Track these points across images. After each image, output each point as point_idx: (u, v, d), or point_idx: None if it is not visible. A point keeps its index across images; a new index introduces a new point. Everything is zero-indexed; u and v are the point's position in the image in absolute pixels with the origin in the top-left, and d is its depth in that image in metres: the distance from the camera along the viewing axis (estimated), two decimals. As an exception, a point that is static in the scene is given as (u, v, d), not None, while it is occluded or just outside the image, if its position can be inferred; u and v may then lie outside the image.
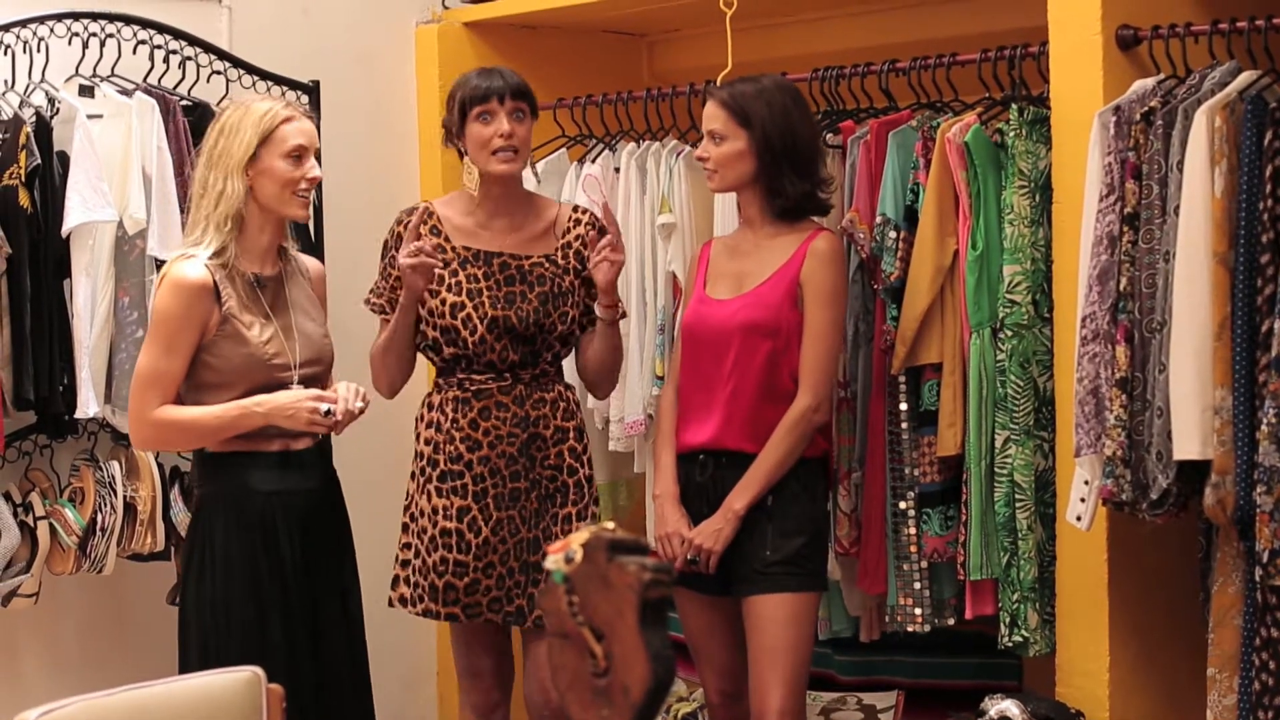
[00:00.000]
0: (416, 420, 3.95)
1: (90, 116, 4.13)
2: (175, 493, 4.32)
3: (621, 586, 1.99)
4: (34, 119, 4.06)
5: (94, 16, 4.27)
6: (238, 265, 3.55)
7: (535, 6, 4.83)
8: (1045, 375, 3.74)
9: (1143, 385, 3.40)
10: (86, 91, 4.24)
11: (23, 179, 4.00)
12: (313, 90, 4.61)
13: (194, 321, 3.49)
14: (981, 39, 4.00)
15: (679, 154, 4.41)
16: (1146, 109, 3.41)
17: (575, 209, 4.01)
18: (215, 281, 3.50)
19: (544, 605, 2.08)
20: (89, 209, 4.03)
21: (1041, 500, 3.74)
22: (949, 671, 4.40)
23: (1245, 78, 3.35)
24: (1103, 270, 3.45)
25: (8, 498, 4.17)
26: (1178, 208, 3.32)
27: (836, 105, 4.22)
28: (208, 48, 4.47)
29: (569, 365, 4.03)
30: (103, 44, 4.28)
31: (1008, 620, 3.75)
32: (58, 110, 4.15)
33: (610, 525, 2.05)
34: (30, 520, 4.17)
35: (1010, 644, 3.76)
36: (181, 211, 4.03)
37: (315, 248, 4.55)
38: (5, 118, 4.07)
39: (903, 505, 3.92)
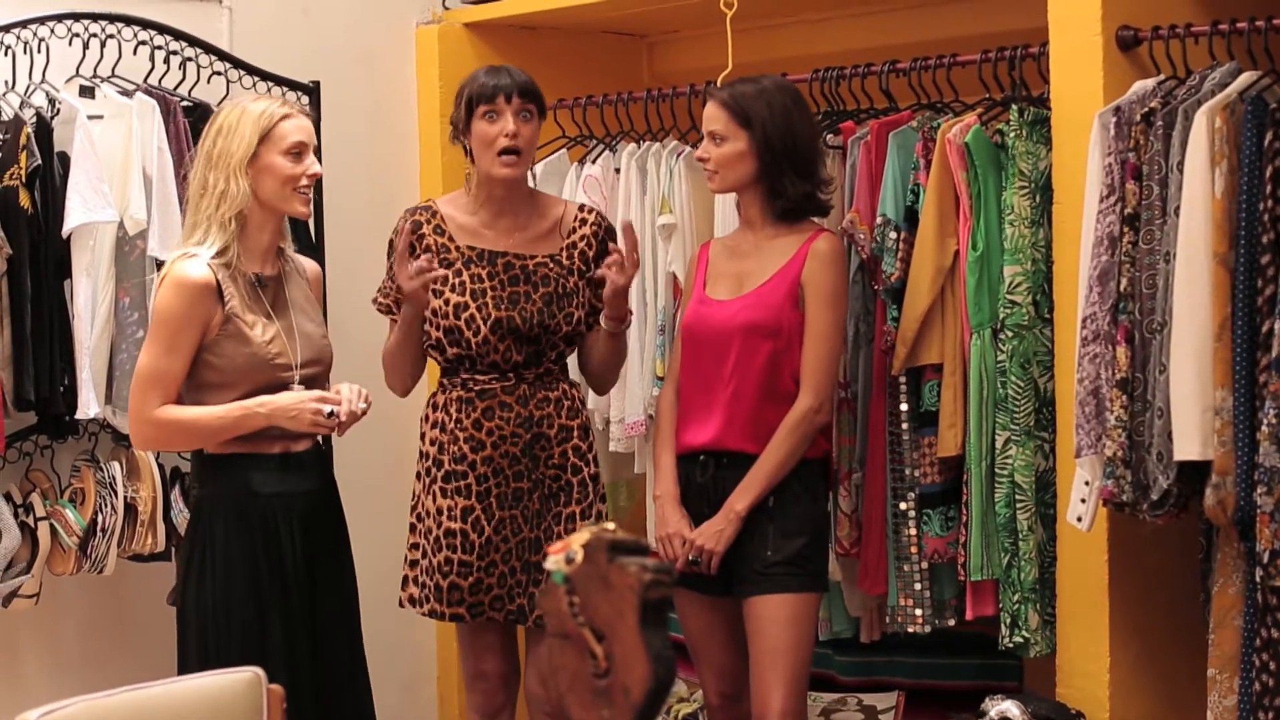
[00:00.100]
0: (421, 420, 3.95)
1: (91, 117, 4.13)
2: (176, 493, 4.32)
3: (622, 587, 1.99)
4: (34, 120, 4.06)
5: (94, 17, 4.27)
6: (239, 265, 3.55)
7: (536, 7, 4.83)
8: (1046, 376, 3.74)
9: (1143, 386, 3.40)
10: (87, 92, 4.23)
11: (23, 179, 4.00)
12: (313, 91, 4.61)
13: (196, 321, 3.49)
14: (982, 40, 4.00)
15: (679, 155, 4.41)
16: (1147, 110, 3.41)
17: (581, 208, 3.99)
18: (218, 281, 3.49)
19: (545, 606, 2.08)
20: (89, 210, 4.03)
21: (1042, 501, 3.74)
22: (949, 672, 4.39)
23: (1245, 78, 3.35)
24: (1103, 271, 3.45)
25: (8, 498, 4.17)
26: (1178, 208, 3.32)
27: (837, 106, 4.22)
28: (208, 48, 4.47)
29: (572, 361, 4.03)
30: (103, 45, 4.28)
31: (1008, 621, 3.75)
32: (58, 111, 4.15)
33: (611, 526, 2.05)
34: (31, 521, 4.17)
35: (1011, 645, 3.76)
36: (182, 213, 4.02)
37: (316, 248, 4.55)
38: (6, 118, 4.07)
39: (903, 506, 3.92)
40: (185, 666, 3.54)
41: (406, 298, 3.76)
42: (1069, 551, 3.68)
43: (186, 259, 3.51)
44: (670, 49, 5.28)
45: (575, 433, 3.89)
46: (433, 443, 3.89)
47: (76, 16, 4.24)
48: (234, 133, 3.54)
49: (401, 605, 3.95)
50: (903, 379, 3.89)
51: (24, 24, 4.16)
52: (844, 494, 4.01)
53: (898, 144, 3.92)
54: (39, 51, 4.19)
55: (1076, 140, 3.57)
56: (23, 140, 3.99)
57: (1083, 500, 3.52)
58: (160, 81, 4.35)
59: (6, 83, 4.17)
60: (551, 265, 3.88)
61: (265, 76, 4.54)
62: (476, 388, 3.84)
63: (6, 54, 4.16)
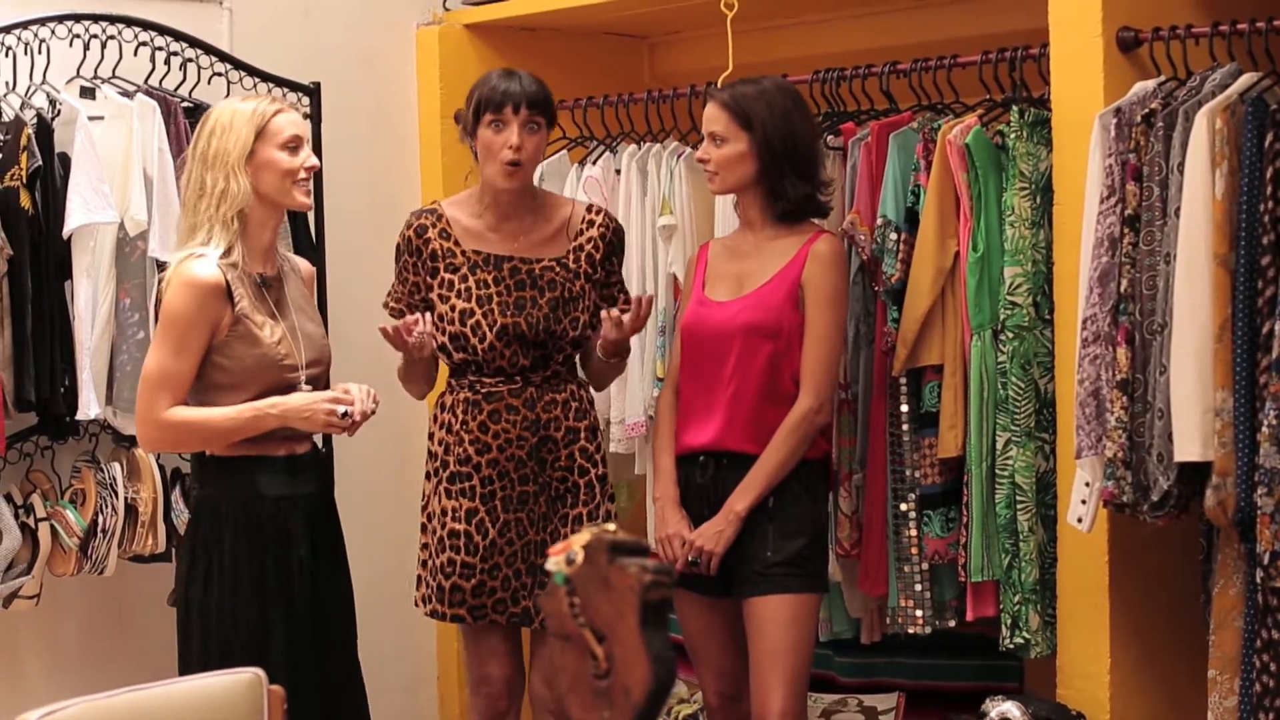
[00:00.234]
0: (430, 420, 3.95)
1: (91, 118, 4.13)
2: (176, 494, 4.32)
3: (622, 588, 1.99)
4: (35, 121, 4.06)
5: (95, 18, 4.27)
6: (245, 265, 3.54)
7: (536, 8, 4.83)
8: (1046, 377, 3.74)
9: (1143, 387, 3.40)
10: (87, 93, 4.23)
11: (24, 180, 4.00)
12: (313, 92, 4.61)
13: (205, 322, 3.47)
14: (982, 41, 4.00)
15: (680, 156, 4.41)
16: (1147, 111, 3.41)
17: (589, 208, 3.96)
18: (227, 281, 3.48)
19: (546, 607, 2.08)
20: (90, 211, 4.03)
21: (1042, 502, 3.74)
22: (950, 673, 4.39)
23: (1246, 80, 3.35)
24: (1103, 272, 3.45)
25: (9, 499, 4.17)
26: (1178, 210, 3.32)
27: (837, 107, 4.22)
28: (208, 49, 4.47)
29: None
30: (104, 46, 4.28)
31: (1009, 622, 3.75)
32: (59, 112, 4.15)
33: (611, 527, 2.05)
34: (31, 522, 4.17)
35: (1011, 646, 3.76)
36: (182, 214, 4.03)
37: (316, 249, 4.55)
38: (6, 119, 4.07)
39: (904, 507, 3.92)
40: (188, 667, 3.53)
41: (411, 350, 3.76)
42: (1069, 552, 3.68)
43: (195, 259, 3.49)
44: (671, 50, 5.28)
45: (583, 434, 3.88)
46: (440, 443, 3.88)
47: (77, 17, 4.24)
48: (229, 132, 3.53)
49: (416, 605, 3.95)
50: (903, 380, 3.89)
51: (24, 25, 4.16)
52: (844, 495, 4.01)
53: (898, 145, 3.92)
54: (39, 52, 4.19)
55: (1077, 141, 3.57)
56: (23, 141, 3.99)
57: (1083, 501, 3.52)
58: (161, 82, 4.36)
59: (7, 84, 4.17)
60: (558, 269, 3.86)
61: (266, 78, 4.54)
62: (483, 390, 3.84)
63: (7, 55, 4.16)
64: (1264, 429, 3.20)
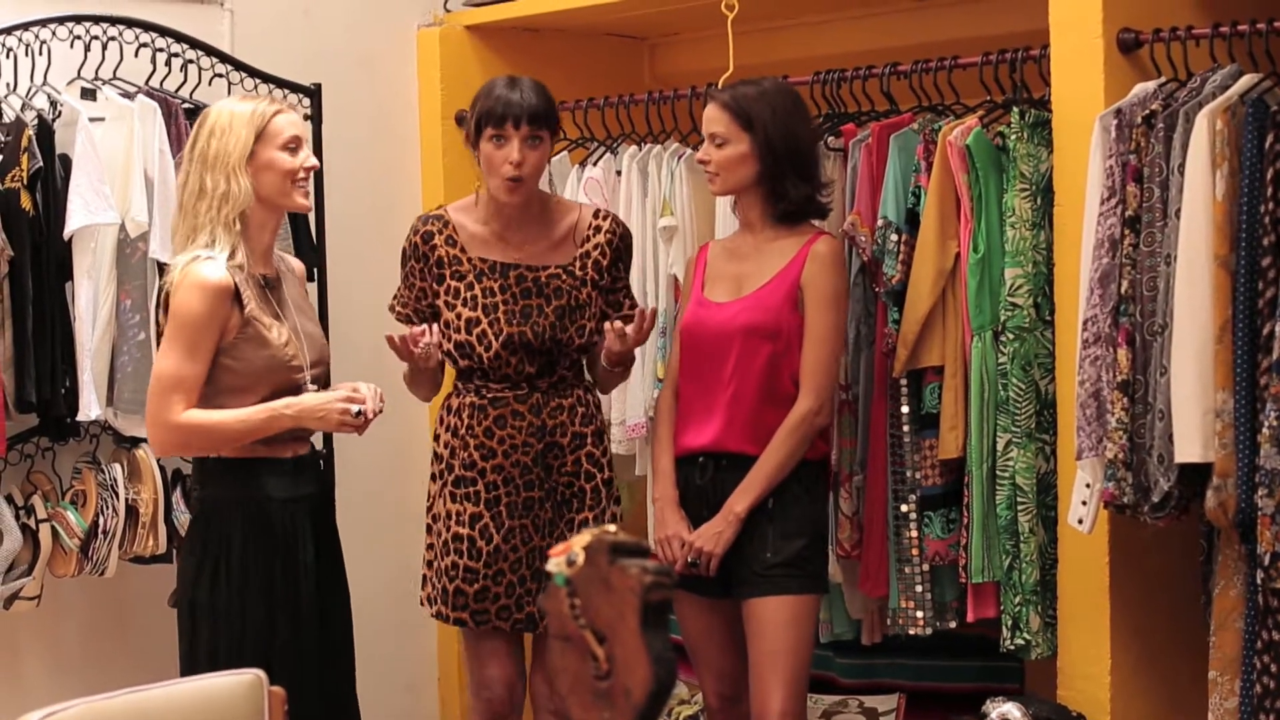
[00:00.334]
0: (436, 422, 3.94)
1: (92, 119, 4.13)
2: (177, 495, 4.32)
3: (623, 589, 1.99)
4: (36, 122, 4.06)
5: (95, 19, 4.27)
6: (249, 267, 3.53)
7: (537, 10, 4.82)
8: (1047, 378, 3.75)
9: (1144, 388, 3.40)
10: (88, 94, 4.23)
11: (25, 182, 4.00)
12: (314, 93, 4.61)
13: (217, 324, 3.45)
14: (983, 42, 4.00)
15: (680, 157, 4.41)
16: (1148, 112, 3.41)
17: (597, 213, 3.94)
18: (235, 283, 3.48)
19: (546, 608, 2.08)
20: (91, 212, 4.03)
21: (1043, 503, 3.74)
22: (950, 674, 4.39)
23: (1246, 81, 3.35)
24: (1104, 273, 3.45)
25: (10, 500, 4.17)
26: (1179, 211, 3.32)
27: (838, 108, 4.22)
28: (209, 51, 4.47)
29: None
30: (104, 47, 4.28)
31: (1009, 623, 3.75)
32: (60, 113, 4.15)
33: (612, 528, 2.05)
34: (32, 523, 4.17)
35: (1012, 647, 3.76)
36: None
37: (317, 250, 4.56)
38: (7, 121, 4.07)
39: (904, 508, 3.92)
40: (194, 668, 3.51)
41: (417, 361, 3.76)
42: (1070, 554, 3.68)
43: (204, 261, 3.46)
44: (671, 51, 5.28)
45: (589, 439, 3.88)
46: (445, 446, 3.88)
47: (78, 19, 4.24)
48: (229, 133, 3.51)
49: (422, 604, 3.96)
50: (904, 381, 3.89)
51: (25, 26, 4.16)
52: (845, 496, 4.01)
53: (899, 146, 3.92)
54: (40, 54, 4.19)
55: (1077, 143, 3.57)
56: (24, 142, 3.99)
57: (1084, 502, 3.52)
58: (162, 84, 4.36)
59: (8, 85, 4.17)
60: (564, 277, 3.85)
61: (266, 79, 4.54)
62: (489, 395, 3.83)
63: (8, 56, 4.16)
64: (1264, 430, 3.20)
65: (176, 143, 4.21)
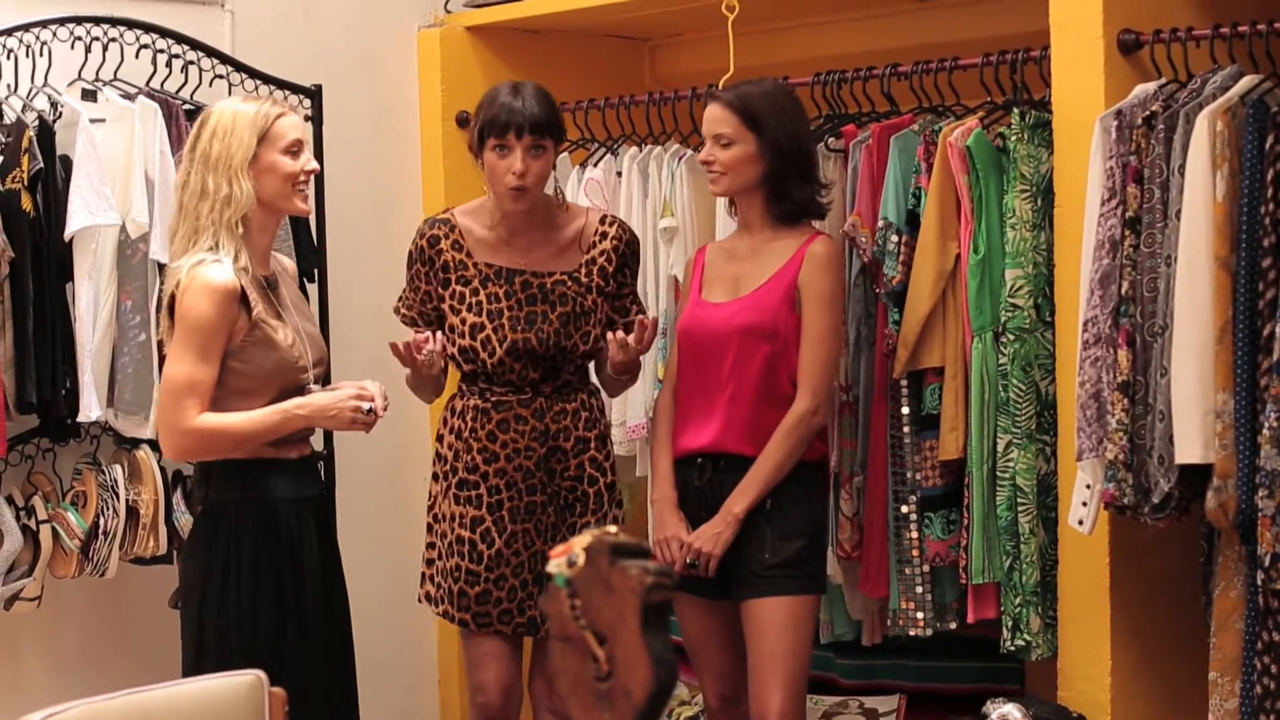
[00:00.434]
0: (440, 423, 3.94)
1: (93, 120, 4.13)
2: (178, 496, 4.32)
3: (623, 590, 1.99)
4: (37, 123, 4.06)
5: (96, 21, 4.26)
6: (253, 270, 3.53)
7: (537, 11, 4.82)
8: (1047, 379, 3.75)
9: (1144, 389, 3.40)
10: (89, 95, 4.23)
11: (25, 183, 4.00)
12: (315, 94, 4.61)
13: (226, 327, 3.44)
14: (983, 43, 4.01)
15: (681, 158, 4.41)
16: (1148, 113, 3.41)
17: (603, 219, 3.93)
18: (242, 286, 3.47)
19: (547, 609, 2.08)
20: (91, 213, 4.03)
21: (1043, 504, 3.74)
22: (951, 675, 4.39)
23: (1246, 82, 3.36)
24: (1104, 274, 3.45)
25: (10, 501, 4.17)
26: (1179, 212, 3.32)
27: (838, 109, 4.22)
28: (210, 52, 4.47)
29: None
30: (105, 48, 4.28)
31: (1010, 624, 3.75)
32: (60, 114, 4.15)
33: (613, 529, 2.05)
34: (33, 524, 4.17)
35: (1012, 648, 3.76)
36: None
37: (318, 252, 4.56)
38: (8, 122, 4.07)
39: (905, 509, 3.92)
40: (202, 670, 3.49)
41: (420, 368, 3.76)
42: (1070, 554, 3.68)
43: (210, 264, 3.44)
44: (672, 52, 5.28)
45: (592, 443, 3.88)
46: (449, 447, 3.87)
47: (78, 20, 4.24)
48: (231, 135, 3.50)
49: (420, 602, 3.96)
50: (904, 382, 3.89)
51: (26, 27, 4.16)
52: (845, 497, 4.01)
53: (899, 147, 3.92)
54: (41, 55, 4.19)
55: (1078, 144, 3.57)
56: (25, 143, 3.99)
57: (1084, 503, 3.52)
58: (162, 85, 4.36)
59: (9, 86, 4.17)
60: (570, 283, 3.84)
61: (267, 80, 4.54)
62: (493, 398, 3.83)
63: (9, 57, 4.16)
64: (1265, 431, 3.20)
65: (177, 144, 4.20)
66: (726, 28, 4.25)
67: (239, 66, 4.52)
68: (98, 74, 4.28)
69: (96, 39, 4.26)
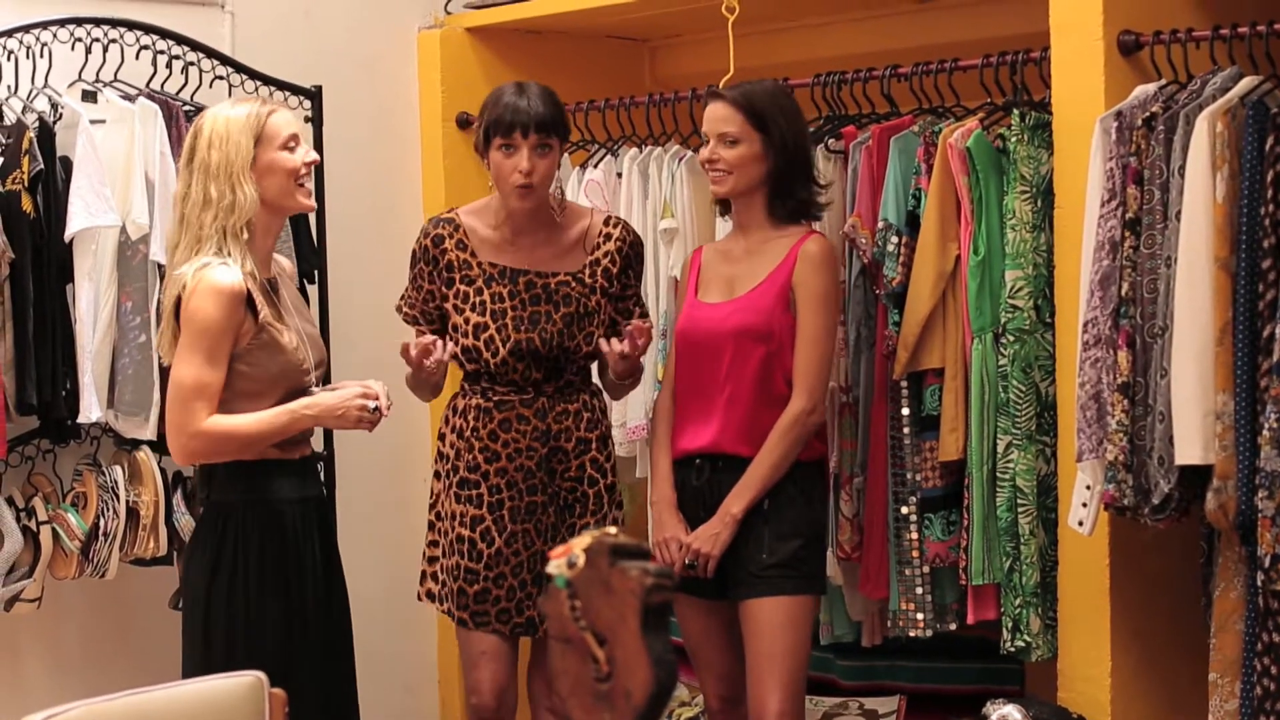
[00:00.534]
0: (442, 422, 3.94)
1: (93, 122, 4.13)
2: (178, 497, 4.32)
3: (623, 591, 1.99)
4: (37, 124, 4.06)
5: (96, 22, 4.27)
6: (258, 273, 3.52)
7: (538, 12, 4.82)
8: (1047, 380, 3.75)
9: (1144, 390, 3.40)
10: (89, 97, 4.23)
11: (26, 184, 4.00)
12: (315, 95, 4.61)
13: (232, 330, 3.43)
14: (983, 44, 4.01)
15: (681, 159, 4.41)
16: (1148, 114, 3.41)
17: (608, 220, 3.93)
18: (249, 289, 3.48)
19: (547, 610, 2.08)
20: (92, 214, 4.03)
21: (1043, 505, 3.74)
22: (951, 676, 4.40)
23: (1246, 83, 3.36)
24: (1104, 275, 3.45)
25: (10, 502, 4.17)
26: (1179, 213, 3.32)
27: (838, 110, 4.22)
28: (210, 53, 4.47)
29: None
30: (105, 49, 4.28)
31: (1010, 625, 3.75)
32: (61, 115, 4.16)
33: (613, 530, 2.05)
34: (33, 525, 4.17)
35: (1012, 649, 3.76)
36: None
37: (318, 253, 4.56)
38: (8, 123, 4.07)
39: (905, 510, 3.92)
40: (208, 671, 3.48)
41: (425, 372, 3.76)
42: (1070, 556, 3.68)
43: (216, 267, 3.43)
44: (672, 53, 5.29)
45: (594, 444, 3.88)
46: (451, 446, 3.88)
47: (79, 21, 4.24)
48: (227, 141, 3.49)
49: (420, 599, 3.96)
50: (904, 383, 3.89)
51: (26, 29, 4.17)
52: (845, 498, 4.01)
53: (899, 149, 3.92)
54: (41, 56, 4.19)
55: (1078, 145, 3.57)
56: (25, 145, 3.99)
57: (1084, 504, 3.52)
58: (163, 86, 4.36)
59: (9, 87, 4.17)
60: (574, 284, 3.85)
61: (267, 81, 4.54)
62: (495, 398, 3.83)
63: (9, 59, 4.16)
64: (1265, 432, 3.20)
65: (177, 145, 4.20)
66: (727, 29, 4.25)
67: (239, 68, 4.52)
68: (98, 75, 4.28)
69: (97, 40, 4.27)
